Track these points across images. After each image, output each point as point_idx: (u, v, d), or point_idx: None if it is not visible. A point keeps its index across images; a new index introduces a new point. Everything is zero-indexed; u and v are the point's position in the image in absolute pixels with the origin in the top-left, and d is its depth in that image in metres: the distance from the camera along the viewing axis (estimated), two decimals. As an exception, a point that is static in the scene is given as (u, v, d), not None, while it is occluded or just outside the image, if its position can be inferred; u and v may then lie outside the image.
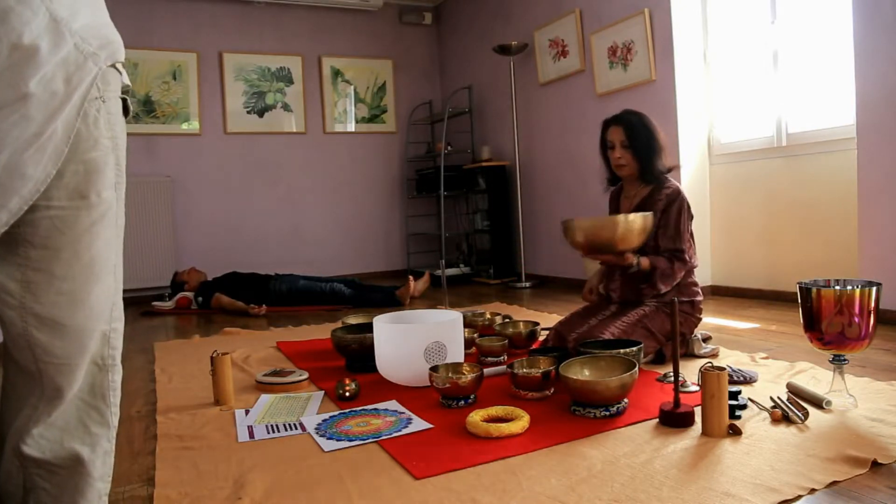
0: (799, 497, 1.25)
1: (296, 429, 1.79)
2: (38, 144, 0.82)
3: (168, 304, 4.42)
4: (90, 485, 0.97)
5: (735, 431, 1.57)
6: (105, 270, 0.96)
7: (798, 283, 1.79)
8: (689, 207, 2.37)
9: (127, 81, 0.98)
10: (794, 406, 1.68)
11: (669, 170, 2.44)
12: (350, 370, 2.43)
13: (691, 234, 2.40)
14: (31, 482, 0.94)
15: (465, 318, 2.58)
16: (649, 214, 2.22)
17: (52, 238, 0.89)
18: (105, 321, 0.97)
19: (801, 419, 1.63)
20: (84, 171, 0.90)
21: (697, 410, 1.66)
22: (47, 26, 0.81)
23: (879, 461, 1.37)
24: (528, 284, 4.94)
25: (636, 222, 2.18)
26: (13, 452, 0.93)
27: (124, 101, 0.97)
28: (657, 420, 1.70)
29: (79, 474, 0.96)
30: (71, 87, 0.85)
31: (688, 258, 2.35)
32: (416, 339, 2.11)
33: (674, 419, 1.66)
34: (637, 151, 2.38)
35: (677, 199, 2.35)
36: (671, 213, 2.34)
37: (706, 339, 2.55)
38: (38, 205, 0.86)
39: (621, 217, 2.19)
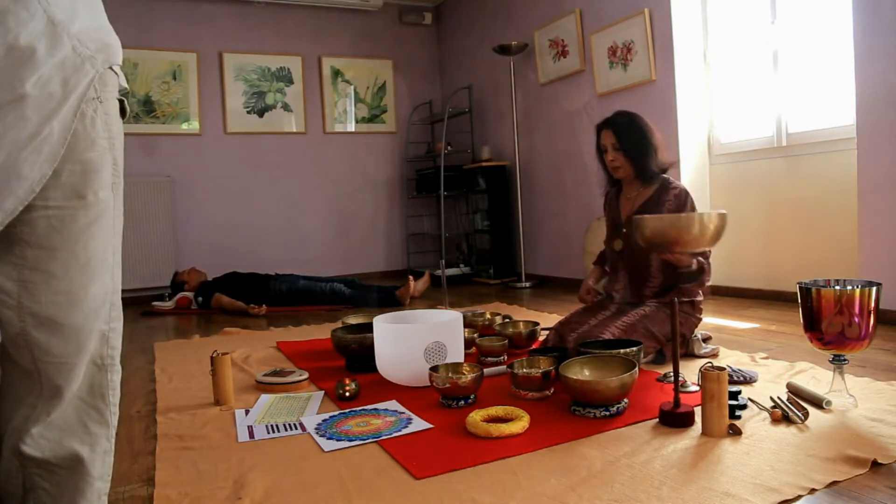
0: (799, 497, 1.25)
1: (296, 429, 1.79)
2: (34, 145, 0.82)
3: (168, 304, 4.42)
4: (90, 484, 0.97)
5: (735, 431, 1.57)
6: (102, 270, 0.96)
7: (798, 283, 1.79)
8: (694, 207, 2.39)
9: (124, 84, 0.99)
10: (794, 406, 1.68)
11: (667, 167, 2.44)
12: (350, 370, 2.43)
13: None
14: (31, 482, 0.94)
15: (465, 318, 2.59)
16: (725, 213, 2.05)
17: (49, 237, 0.89)
18: (103, 321, 0.97)
19: (801, 419, 1.63)
20: (81, 171, 0.90)
21: (697, 410, 1.66)
22: (45, 29, 0.82)
23: (879, 461, 1.37)
24: (528, 284, 4.94)
25: (713, 222, 2.00)
26: (13, 452, 0.93)
27: (121, 102, 0.98)
28: (657, 420, 1.70)
29: (78, 474, 0.96)
30: (68, 89, 0.85)
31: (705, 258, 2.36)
32: (416, 339, 2.11)
33: (674, 419, 1.66)
34: (628, 153, 2.40)
35: (687, 199, 2.37)
36: (687, 213, 2.34)
37: (706, 339, 2.55)
38: (35, 204, 0.86)
39: (697, 216, 2.02)
